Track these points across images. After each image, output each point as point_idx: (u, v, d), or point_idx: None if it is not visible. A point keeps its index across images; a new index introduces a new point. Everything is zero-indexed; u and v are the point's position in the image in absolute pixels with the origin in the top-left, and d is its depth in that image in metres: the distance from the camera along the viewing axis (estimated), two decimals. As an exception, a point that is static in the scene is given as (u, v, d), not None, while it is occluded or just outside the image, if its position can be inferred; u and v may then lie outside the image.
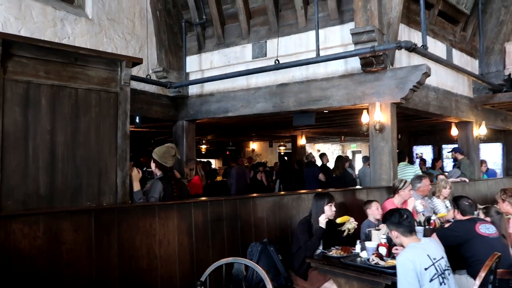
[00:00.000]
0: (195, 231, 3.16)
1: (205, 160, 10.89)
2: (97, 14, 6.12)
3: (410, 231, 2.52)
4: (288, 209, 3.84)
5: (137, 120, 5.42)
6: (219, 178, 10.09)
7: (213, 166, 11.94)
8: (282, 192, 4.48)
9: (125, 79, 3.11)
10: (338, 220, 3.32)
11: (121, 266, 2.73)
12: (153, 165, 3.22)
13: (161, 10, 6.80)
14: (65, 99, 2.86)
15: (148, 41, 6.75)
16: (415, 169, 5.86)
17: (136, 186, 3.14)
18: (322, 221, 3.18)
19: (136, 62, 3.26)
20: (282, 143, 15.08)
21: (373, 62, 5.14)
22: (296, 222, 3.54)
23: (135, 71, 6.13)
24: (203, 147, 11.94)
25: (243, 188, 7.49)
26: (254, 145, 15.04)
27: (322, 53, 5.38)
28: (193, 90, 7.08)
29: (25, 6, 5.23)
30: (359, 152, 18.02)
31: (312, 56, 5.58)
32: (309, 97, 5.82)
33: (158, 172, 3.23)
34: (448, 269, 2.42)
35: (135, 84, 6.18)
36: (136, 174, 3.17)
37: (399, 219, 2.52)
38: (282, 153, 14.95)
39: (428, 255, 2.36)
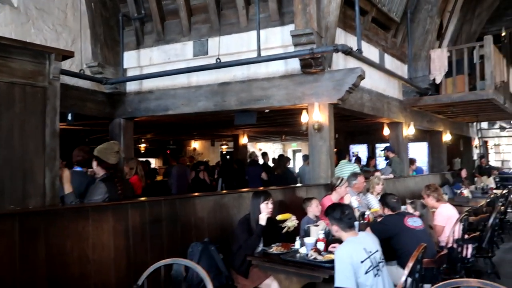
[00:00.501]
0: (132, 233, 3.03)
1: (144, 159, 10.54)
2: (23, 2, 5.67)
3: (350, 226, 2.62)
4: (229, 208, 3.83)
5: (70, 117, 5.09)
6: (159, 178, 9.82)
7: (152, 166, 11.59)
8: (223, 191, 4.46)
9: (54, 73, 2.90)
10: (279, 217, 3.37)
11: (49, 274, 2.54)
12: (94, 163, 3.03)
13: (96, 1, 6.46)
14: (-16, 93, 2.60)
15: (82, 34, 6.37)
16: (354, 167, 6.13)
17: (68, 188, 2.94)
18: (263, 218, 3.21)
19: (67, 55, 3.05)
20: (224, 142, 15.05)
21: (312, 64, 5.29)
22: (237, 221, 3.54)
23: (67, 65, 5.76)
24: (142, 146, 11.54)
25: (185, 188, 7.36)
26: (195, 144, 14.85)
27: (263, 53, 5.43)
28: (131, 86, 6.81)
29: None
30: (299, 151, 18.53)
31: (253, 56, 5.62)
32: (251, 96, 5.85)
33: (100, 172, 3.05)
34: (382, 261, 2.55)
35: (67, 79, 5.80)
36: (67, 175, 2.97)
37: (341, 215, 2.61)
38: (224, 152, 14.92)
39: (364, 249, 2.47)
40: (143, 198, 3.56)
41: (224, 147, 15.05)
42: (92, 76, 6.34)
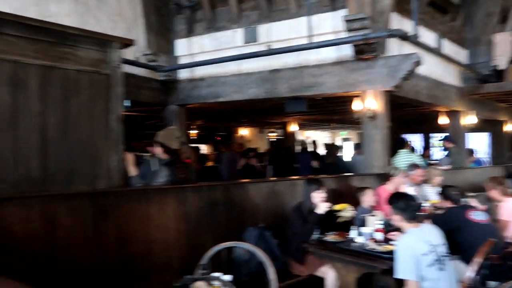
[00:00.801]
0: (191, 215, 3.12)
1: (194, 145, 10.78)
2: (84, -6, 5.92)
3: (413, 217, 2.52)
4: (282, 195, 3.83)
5: (127, 104, 5.31)
6: (209, 164, 10.03)
7: (202, 152, 11.84)
8: (276, 178, 4.48)
9: (116, 60, 3.01)
10: (336, 207, 3.33)
11: (118, 250, 2.69)
12: (158, 149, 3.15)
13: (150, -9, 6.62)
14: (56, 80, 2.76)
15: (136, 24, 6.58)
16: (414, 157, 5.70)
17: (132, 171, 3.08)
18: (322, 208, 3.20)
19: (127, 43, 3.16)
20: (272, 129, 15.05)
21: (365, 50, 5.12)
22: (290, 208, 3.54)
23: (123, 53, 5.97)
24: (193, 132, 11.80)
25: (235, 174, 7.47)
26: (244, 131, 14.97)
27: (314, 40, 5.33)
28: (183, 74, 6.96)
29: (8, -17, 5.01)
30: (349, 139, 18.14)
31: (303, 42, 5.53)
32: (301, 83, 5.79)
33: (164, 156, 3.16)
34: (447, 255, 2.44)
35: (124, 67, 6.02)
36: (131, 158, 3.10)
37: (406, 206, 2.51)
38: (274, 139, 14.95)
39: (427, 241, 2.38)
40: (200, 183, 3.65)
41: (272, 134, 15.05)
42: (147, 64, 6.55)
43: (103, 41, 2.98)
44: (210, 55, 6.52)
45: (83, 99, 2.87)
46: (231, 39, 6.46)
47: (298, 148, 10.74)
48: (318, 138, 14.86)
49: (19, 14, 2.66)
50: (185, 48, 6.92)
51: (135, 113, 8.32)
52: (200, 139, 12.70)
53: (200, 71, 6.73)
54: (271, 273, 2.02)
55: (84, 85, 2.88)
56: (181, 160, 3.37)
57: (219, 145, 10.50)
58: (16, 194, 2.51)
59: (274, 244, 3.16)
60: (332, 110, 8.94)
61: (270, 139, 15.34)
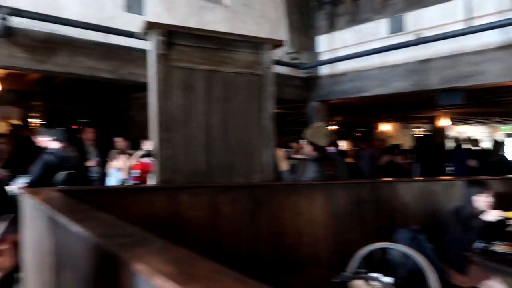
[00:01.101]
0: (339, 212, 3.14)
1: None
2: (233, 1, 6.42)
3: None
4: (437, 196, 3.55)
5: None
6: (348, 160, 9.90)
7: (341, 148, 11.71)
8: (430, 178, 4.16)
9: (268, 61, 3.20)
10: (506, 214, 2.94)
11: (271, 241, 2.88)
12: (307, 147, 3.27)
13: (293, -10, 6.80)
14: (217, 83, 3.07)
15: (279, 24, 6.84)
16: None
17: (283, 166, 3.26)
18: (491, 215, 2.86)
19: (277, 44, 3.32)
20: (418, 124, 13.97)
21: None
22: (447, 211, 3.25)
23: (269, 53, 6.29)
24: (333, 128, 11.80)
25: (377, 171, 7.20)
26: (385, 127, 14.27)
27: (473, 23, 4.74)
28: (324, 70, 6.98)
29: (173, -1, 5.77)
30: (513, 135, 15.65)
31: (459, 27, 4.96)
32: (457, 73, 5.22)
33: (312, 153, 3.28)
34: None
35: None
36: (282, 154, 3.28)
37: None
38: (421, 135, 13.89)
39: None
40: (349, 180, 3.64)
41: (418, 129, 13.98)
42: (290, 62, 6.76)
43: (257, 44, 3.20)
44: (352, 49, 6.38)
45: (240, 99, 3.13)
46: (374, 31, 6.21)
47: (449, 145, 9.73)
48: (474, 134, 13.19)
49: (182, 25, 3.04)
50: (326, 44, 6.92)
51: (279, 110, 8.72)
52: (339, 135, 12.58)
53: (341, 66, 6.65)
54: (433, 280, 1.89)
55: (241, 86, 3.14)
56: (329, 157, 3.41)
57: (359, 141, 10.24)
58: (188, 184, 2.89)
59: (429, 249, 2.95)
60: (493, 102, 7.84)
61: (416, 135, 14.25)
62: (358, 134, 13.16)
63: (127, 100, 8.16)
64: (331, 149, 3.50)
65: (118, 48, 5.16)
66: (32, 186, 3.44)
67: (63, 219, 1.53)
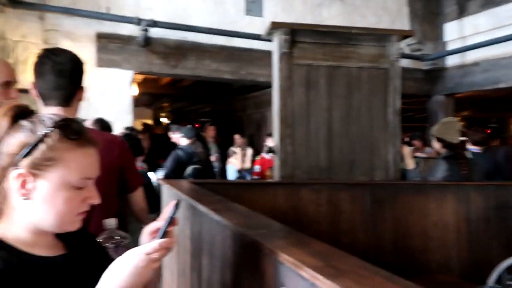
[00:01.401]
0: (474, 217, 2.84)
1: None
2: (350, -6, 6.25)
3: None
4: None
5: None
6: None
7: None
8: None
9: (395, 54, 3.03)
10: None
11: (394, 242, 2.74)
12: (437, 144, 3.05)
13: (416, -23, 6.34)
14: (339, 78, 3.03)
15: (400, 14, 6.44)
16: None
17: (410, 164, 3.07)
18: None
19: (407, 35, 3.13)
20: None
21: None
22: None
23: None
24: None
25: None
26: (521, 122, 12.46)
27: None
28: (452, 60, 6.36)
29: (289, -2, 5.86)
30: None
31: None
32: None
33: (443, 151, 3.04)
34: None
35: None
36: (409, 151, 3.09)
37: None
38: None
39: None
40: (487, 182, 3.27)
41: None
42: (412, 54, 6.33)
43: (382, 36, 3.06)
44: (486, 35, 5.69)
45: (363, 95, 3.03)
46: (515, 13, 5.44)
47: None
48: None
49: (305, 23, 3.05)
50: (455, 31, 6.28)
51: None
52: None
53: (473, 55, 5.98)
54: None
55: (364, 80, 3.04)
56: (463, 155, 3.10)
57: (489, 138, 9.11)
58: (308, 180, 2.91)
59: None
60: None
61: None
62: (488, 130, 11.73)
63: (244, 100, 8.58)
64: (474, 148, 3.17)
65: (239, 50, 5.45)
66: (166, 178, 3.85)
67: (203, 208, 1.67)
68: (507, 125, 12.38)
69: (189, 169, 4.18)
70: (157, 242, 0.90)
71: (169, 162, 4.36)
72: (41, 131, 0.85)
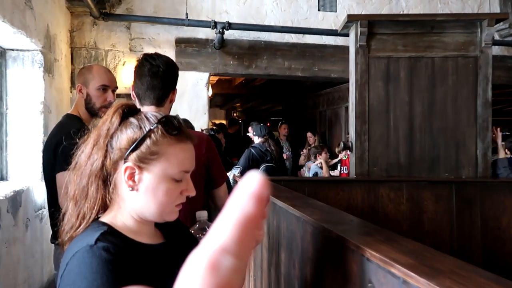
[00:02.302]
0: None
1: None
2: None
3: None
4: None
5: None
6: None
7: None
8: None
9: (486, 40, 2.79)
10: None
11: (484, 245, 2.53)
12: None
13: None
14: (422, 70, 2.86)
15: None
16: None
17: (502, 153, 2.81)
18: None
19: (500, 18, 2.85)
20: None
21: None
22: None
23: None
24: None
25: None
26: None
27: None
28: (550, 45, 5.69)
29: (364, -11, 5.65)
30: None
31: None
32: None
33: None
34: None
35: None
36: (502, 145, 2.83)
37: None
38: None
39: None
40: None
41: None
42: (502, 40, 5.77)
43: (471, 22, 2.83)
44: None
45: (448, 86, 2.83)
46: None
47: None
48: None
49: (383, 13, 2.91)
50: (554, 12, 5.60)
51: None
52: None
53: None
54: None
55: (449, 71, 2.84)
56: None
57: None
58: (387, 178, 2.79)
59: None
60: None
61: None
62: None
63: (316, 97, 8.48)
64: None
65: (311, 47, 5.40)
66: (241, 175, 3.93)
67: (282, 204, 1.67)
68: None
69: (262, 167, 4.23)
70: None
71: (242, 160, 4.45)
72: (147, 127, 0.91)
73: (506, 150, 3.58)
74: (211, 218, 2.12)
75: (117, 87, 1.95)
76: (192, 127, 3.37)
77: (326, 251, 1.29)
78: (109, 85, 1.85)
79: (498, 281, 0.80)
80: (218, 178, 1.85)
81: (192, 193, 0.97)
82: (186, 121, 3.38)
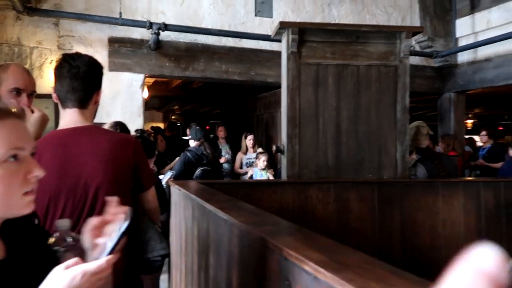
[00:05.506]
0: (484, 213, 2.81)
1: (468, 136, 9.63)
2: (363, -7, 6.23)
3: None
4: None
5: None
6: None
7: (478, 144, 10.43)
8: None
9: (404, 51, 3.02)
10: None
11: (403, 240, 2.73)
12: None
13: (426, -27, 6.28)
14: (348, 77, 3.02)
15: (411, 11, 6.39)
16: None
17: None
18: None
19: (416, 31, 3.11)
20: None
21: None
22: None
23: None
24: (469, 121, 10.59)
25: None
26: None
27: None
28: (463, 57, 6.28)
29: (300, -2, 5.86)
30: None
31: None
32: None
33: (414, 156, 3.06)
34: None
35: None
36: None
37: None
38: None
39: None
40: (497, 178, 3.24)
41: None
42: (422, 51, 6.28)
43: (392, 33, 3.05)
44: (499, 30, 5.60)
45: (372, 93, 3.03)
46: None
47: None
48: None
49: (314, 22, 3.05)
50: (467, 27, 6.20)
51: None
52: (477, 129, 11.23)
53: (485, 51, 5.89)
54: None
55: (373, 78, 3.03)
56: (437, 155, 3.09)
57: (501, 136, 8.98)
58: (316, 179, 2.91)
59: None
60: None
61: None
62: (500, 128, 11.55)
63: (253, 100, 8.59)
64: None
65: (248, 51, 5.48)
66: (176, 180, 3.88)
67: (211, 207, 1.68)
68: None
69: (198, 171, 4.21)
70: (105, 259, 0.80)
71: (178, 164, 4.39)
72: None
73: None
74: (140, 221, 2.08)
75: (35, 91, 1.82)
76: (127, 130, 3.26)
77: (250, 252, 1.33)
78: (24, 89, 1.73)
79: (395, 273, 0.88)
80: (147, 182, 1.82)
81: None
82: (120, 124, 3.26)
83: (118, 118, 3.83)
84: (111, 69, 5.00)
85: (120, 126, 3.15)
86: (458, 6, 6.24)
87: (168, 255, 2.06)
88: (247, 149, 6.06)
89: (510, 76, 5.55)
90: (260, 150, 5.76)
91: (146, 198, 1.85)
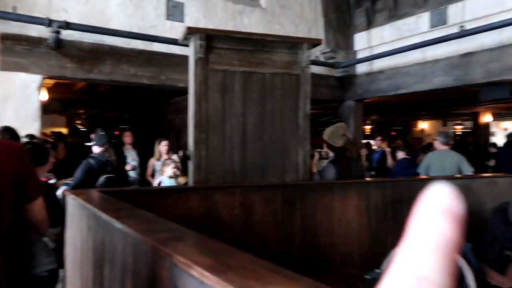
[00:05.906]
0: (373, 211, 3.09)
1: (365, 141, 10.58)
2: (270, 3, 6.46)
3: None
4: (478, 194, 3.41)
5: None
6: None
7: (374, 147, 11.49)
8: (471, 175, 4.00)
9: (305, 61, 3.20)
10: None
11: (303, 240, 2.89)
12: (324, 146, 3.25)
13: (329, -10, 6.76)
14: (254, 84, 3.12)
15: (316, 24, 6.81)
16: None
17: (315, 168, 3.26)
18: None
19: (316, 43, 3.32)
20: (458, 122, 13.44)
21: None
22: (488, 209, 3.12)
23: (304, 54, 6.27)
24: (367, 127, 11.60)
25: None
26: (423, 125, 13.82)
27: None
28: (361, 68, 6.87)
29: (211, 4, 5.90)
30: None
31: (508, 17, 4.73)
32: (503, 66, 4.97)
33: (330, 154, 3.27)
34: None
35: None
36: (316, 155, 3.27)
37: None
38: (460, 133, 13.32)
39: None
40: (383, 179, 3.58)
41: (458, 127, 13.44)
42: (325, 62, 6.71)
43: (294, 44, 3.21)
44: (390, 45, 6.24)
45: (276, 100, 3.16)
46: (414, 26, 6.05)
47: (493, 142, 9.29)
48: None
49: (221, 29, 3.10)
50: (364, 41, 6.81)
51: (313, 110, 8.68)
52: (374, 135, 12.36)
53: (379, 64, 6.52)
54: (470, 280, 1.82)
55: (277, 86, 3.17)
56: (346, 157, 3.37)
57: (394, 140, 10.02)
58: (222, 184, 2.95)
59: (468, 248, 2.84)
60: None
61: (456, 133, 13.71)
62: (393, 133, 12.86)
63: (165, 105, 8.40)
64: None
65: (158, 54, 5.35)
66: (75, 189, 3.62)
67: (106, 217, 1.61)
68: (410, 128, 13.66)
69: (102, 179, 3.98)
70: None
71: (79, 172, 4.10)
72: None
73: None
74: (25, 235, 1.90)
75: None
76: (17, 137, 2.95)
77: (143, 261, 1.30)
78: None
79: (274, 270, 0.93)
80: (31, 192, 1.69)
81: None
82: (10, 129, 2.95)
83: (11, 123, 3.47)
84: (3, 68, 4.52)
85: (9, 132, 2.87)
86: (357, 22, 6.82)
87: (57, 269, 1.92)
88: (160, 155, 5.88)
89: (399, 86, 6.20)
90: (175, 157, 5.61)
91: (32, 209, 1.71)
